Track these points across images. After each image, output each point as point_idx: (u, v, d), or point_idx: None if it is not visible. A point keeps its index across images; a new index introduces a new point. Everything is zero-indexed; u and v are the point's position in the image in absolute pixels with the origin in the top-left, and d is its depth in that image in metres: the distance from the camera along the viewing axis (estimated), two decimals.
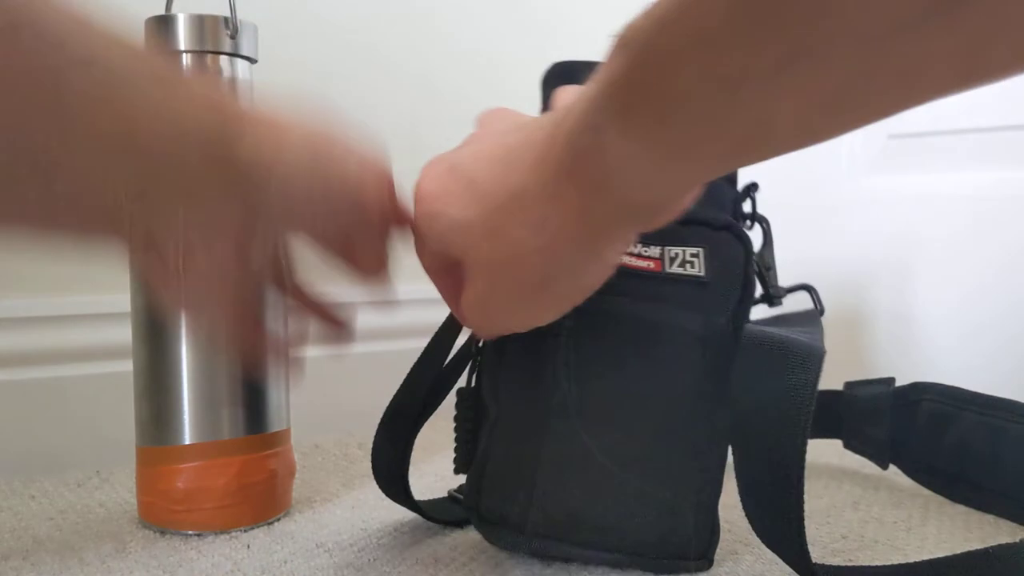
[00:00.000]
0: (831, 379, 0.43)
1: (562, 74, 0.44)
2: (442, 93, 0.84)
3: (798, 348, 0.39)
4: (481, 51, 0.86)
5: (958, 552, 0.45)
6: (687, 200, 0.30)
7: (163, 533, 0.48)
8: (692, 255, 0.40)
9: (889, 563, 0.44)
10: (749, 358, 0.40)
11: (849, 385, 0.60)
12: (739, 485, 0.40)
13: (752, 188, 0.48)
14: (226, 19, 0.48)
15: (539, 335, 0.38)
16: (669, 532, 0.41)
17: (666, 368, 0.40)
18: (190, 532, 0.48)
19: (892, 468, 0.59)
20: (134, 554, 0.45)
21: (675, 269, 0.40)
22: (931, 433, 0.56)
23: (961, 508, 0.54)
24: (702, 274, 0.41)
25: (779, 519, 0.38)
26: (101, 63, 0.29)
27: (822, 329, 0.48)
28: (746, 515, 0.40)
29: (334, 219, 0.36)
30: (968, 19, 0.19)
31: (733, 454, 0.41)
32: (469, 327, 0.39)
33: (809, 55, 0.20)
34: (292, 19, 0.76)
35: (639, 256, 0.40)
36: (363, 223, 0.36)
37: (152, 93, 0.30)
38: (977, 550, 0.40)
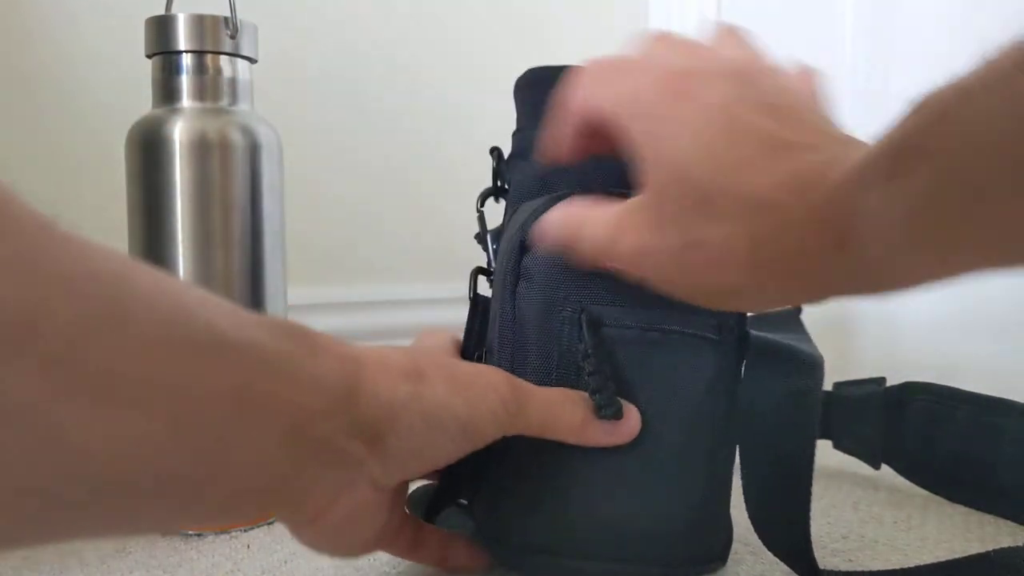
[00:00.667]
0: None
1: (534, 82, 0.43)
2: (443, 93, 0.84)
3: (804, 355, 0.39)
4: (482, 51, 0.86)
5: (958, 552, 0.45)
6: (911, 290, 0.26)
7: (163, 533, 0.48)
8: None
9: (889, 563, 0.44)
10: (755, 362, 0.40)
11: (838, 385, 0.60)
12: (745, 488, 0.40)
13: None
14: (226, 19, 0.49)
15: (562, 345, 0.37)
16: (700, 536, 0.40)
17: (688, 372, 0.39)
18: (190, 532, 0.48)
19: (891, 468, 0.59)
20: (134, 554, 0.45)
21: None
22: (925, 433, 0.56)
23: (961, 508, 0.54)
24: None
25: (785, 524, 0.38)
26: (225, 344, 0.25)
27: (805, 328, 0.48)
28: (750, 518, 0.40)
29: (457, 453, 0.34)
30: None
31: (740, 457, 0.40)
32: (592, 241, 0.33)
33: None
34: (292, 19, 0.76)
35: None
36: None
37: (293, 358, 0.27)
38: (978, 554, 0.40)
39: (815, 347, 0.43)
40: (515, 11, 0.89)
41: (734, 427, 0.40)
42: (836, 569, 0.42)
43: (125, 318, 0.22)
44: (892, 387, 0.58)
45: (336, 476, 0.29)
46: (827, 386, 0.59)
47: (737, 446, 0.41)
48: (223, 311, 0.26)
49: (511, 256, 0.39)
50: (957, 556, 0.42)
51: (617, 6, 0.96)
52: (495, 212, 0.46)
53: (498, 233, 0.44)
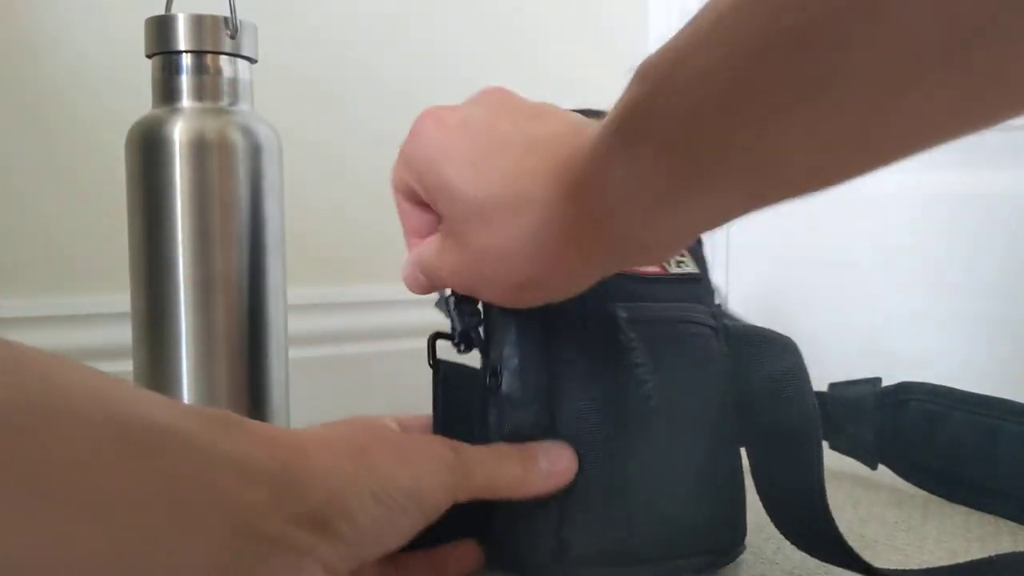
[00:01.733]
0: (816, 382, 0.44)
1: None
2: (443, 92, 0.84)
3: (775, 336, 0.41)
4: (482, 51, 0.86)
5: (958, 552, 0.45)
6: (680, 246, 0.30)
7: None
8: (681, 255, 0.42)
9: (889, 563, 0.44)
10: (737, 349, 0.41)
11: (833, 386, 0.60)
12: (757, 482, 0.41)
13: None
14: (226, 19, 0.48)
15: (603, 341, 0.38)
16: (731, 523, 0.42)
17: (702, 363, 0.40)
18: None
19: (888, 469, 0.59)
20: None
21: (675, 270, 0.41)
22: (921, 433, 0.56)
23: (961, 508, 0.54)
24: (696, 271, 0.42)
25: (806, 514, 0.39)
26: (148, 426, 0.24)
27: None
28: (766, 511, 0.41)
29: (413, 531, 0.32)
30: (983, 61, 0.19)
31: (746, 447, 0.42)
32: (426, 273, 0.38)
33: (826, 92, 0.20)
34: (292, 19, 0.76)
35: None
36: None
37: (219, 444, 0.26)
38: (981, 559, 0.40)
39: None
40: (516, 12, 0.89)
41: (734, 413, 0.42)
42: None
43: (51, 409, 0.20)
44: (888, 387, 0.58)
45: (286, 564, 0.27)
46: (823, 387, 0.60)
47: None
48: (156, 403, 0.25)
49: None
50: (957, 556, 0.42)
51: (617, 7, 0.96)
52: None
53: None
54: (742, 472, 0.42)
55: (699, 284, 0.42)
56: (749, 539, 0.42)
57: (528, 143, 0.32)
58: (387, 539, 0.31)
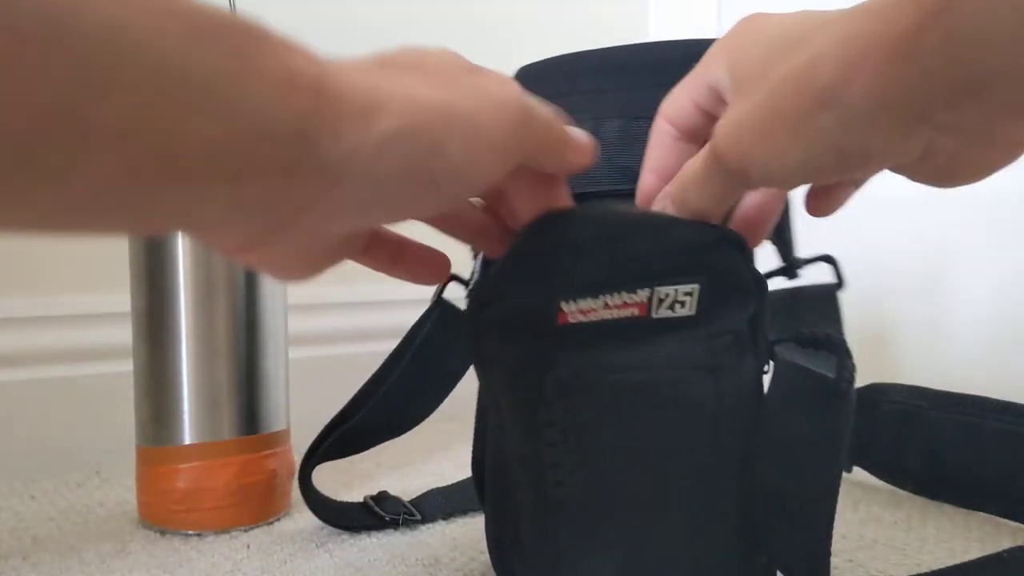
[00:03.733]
0: None
1: (531, 77, 0.41)
2: None
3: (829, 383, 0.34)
4: (483, 51, 0.86)
5: (958, 552, 0.45)
6: None
7: (163, 533, 0.48)
8: (686, 294, 0.34)
9: (889, 563, 0.44)
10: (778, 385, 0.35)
11: None
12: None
13: None
14: None
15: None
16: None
17: (667, 422, 0.34)
18: (190, 532, 0.48)
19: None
20: (134, 554, 0.45)
21: (663, 313, 0.33)
22: (898, 433, 0.56)
23: (962, 508, 0.54)
24: (692, 313, 0.34)
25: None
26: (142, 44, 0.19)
27: (839, 310, 0.43)
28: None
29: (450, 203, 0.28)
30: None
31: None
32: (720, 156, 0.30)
33: None
34: (292, 19, 0.76)
35: (622, 305, 0.33)
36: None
37: (213, 84, 0.21)
38: (991, 555, 0.39)
39: (839, 333, 0.40)
40: (516, 12, 0.89)
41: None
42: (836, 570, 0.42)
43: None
44: (857, 389, 0.58)
45: (280, 211, 0.23)
46: None
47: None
48: None
49: None
50: (957, 556, 0.42)
51: (617, 8, 0.96)
52: None
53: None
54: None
55: (695, 324, 0.34)
56: None
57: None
58: (410, 208, 0.27)
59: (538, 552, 0.36)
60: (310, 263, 0.29)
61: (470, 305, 0.35)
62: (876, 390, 0.57)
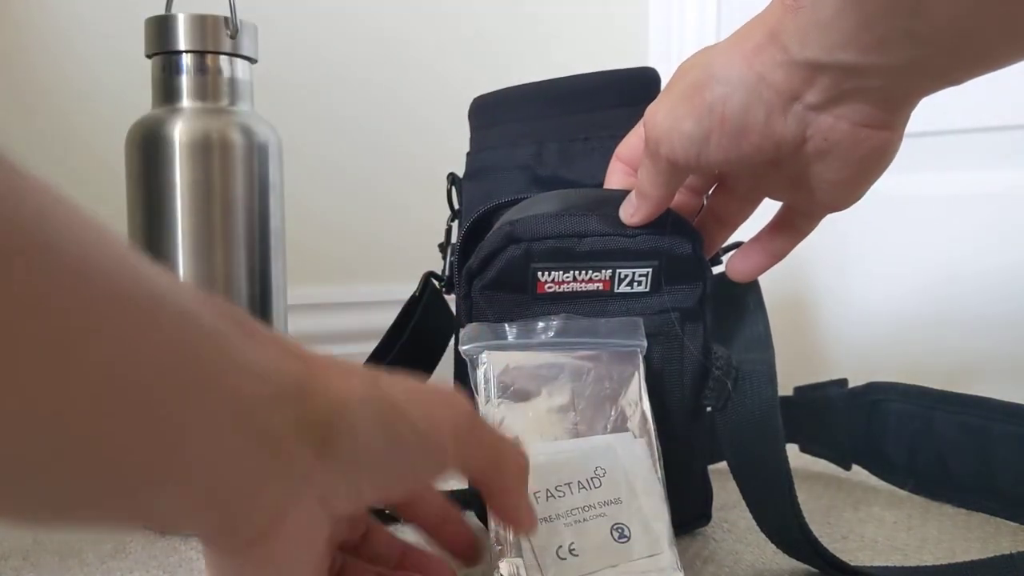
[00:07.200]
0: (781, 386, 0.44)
1: (478, 108, 0.49)
2: (444, 91, 0.84)
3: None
4: (483, 51, 0.86)
5: (958, 552, 0.45)
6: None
7: (163, 533, 0.48)
8: (641, 275, 0.42)
9: (889, 563, 0.44)
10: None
11: (799, 389, 0.59)
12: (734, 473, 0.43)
13: None
14: (226, 19, 0.49)
15: None
16: (703, 497, 0.47)
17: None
18: (190, 532, 0.48)
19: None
20: (134, 554, 0.45)
21: (623, 289, 0.42)
22: (899, 433, 0.55)
23: (962, 508, 0.54)
24: (647, 290, 0.42)
25: (774, 508, 0.41)
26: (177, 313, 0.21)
27: (760, 295, 0.48)
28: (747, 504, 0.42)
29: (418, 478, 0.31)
30: None
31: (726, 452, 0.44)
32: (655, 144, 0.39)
33: None
34: (292, 19, 0.76)
35: (589, 280, 0.42)
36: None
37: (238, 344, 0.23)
38: (1000, 555, 0.40)
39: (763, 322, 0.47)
40: (517, 13, 0.89)
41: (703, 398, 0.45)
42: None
43: (47, 244, 0.18)
44: (856, 388, 0.57)
45: (283, 487, 0.24)
46: (788, 391, 0.59)
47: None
48: (157, 271, 0.21)
49: None
50: (957, 556, 0.42)
51: (617, 8, 0.96)
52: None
53: (453, 248, 0.48)
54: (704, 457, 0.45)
55: (648, 297, 0.42)
56: (748, 539, 0.42)
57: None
58: (388, 481, 0.28)
59: None
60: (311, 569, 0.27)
61: (462, 281, 0.43)
62: (874, 389, 0.56)
